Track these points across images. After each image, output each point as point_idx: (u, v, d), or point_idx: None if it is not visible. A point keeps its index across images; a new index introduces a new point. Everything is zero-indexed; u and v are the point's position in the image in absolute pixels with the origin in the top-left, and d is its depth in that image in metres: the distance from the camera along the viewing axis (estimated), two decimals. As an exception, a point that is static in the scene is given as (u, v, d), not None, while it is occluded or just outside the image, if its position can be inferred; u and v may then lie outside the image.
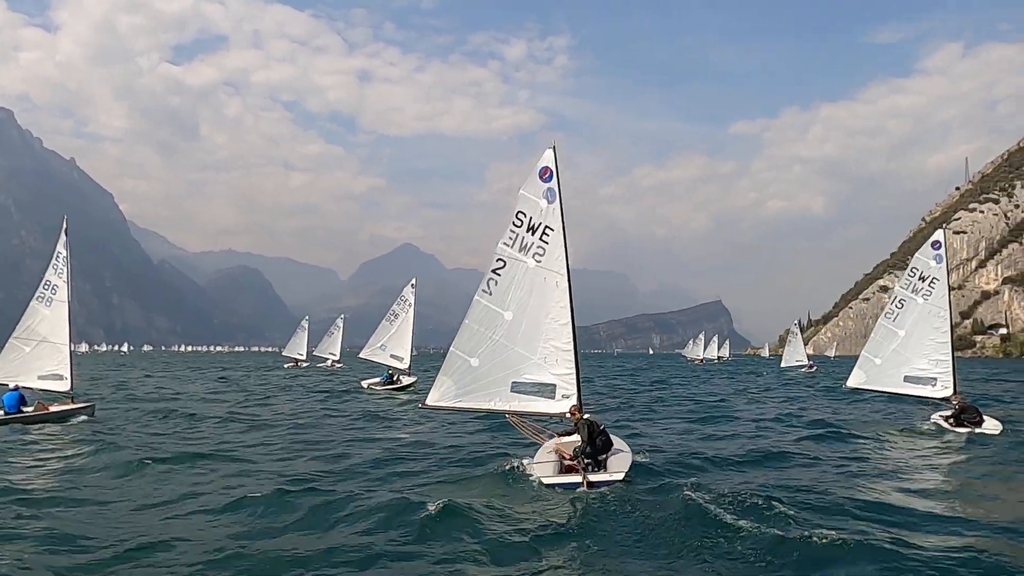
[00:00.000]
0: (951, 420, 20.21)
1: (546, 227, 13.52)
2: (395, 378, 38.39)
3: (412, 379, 38.69)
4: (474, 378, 13.57)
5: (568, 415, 12.82)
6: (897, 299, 23.02)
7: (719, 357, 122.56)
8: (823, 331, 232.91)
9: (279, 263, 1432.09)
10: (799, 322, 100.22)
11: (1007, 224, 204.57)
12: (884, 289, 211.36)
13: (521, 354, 13.52)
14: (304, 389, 38.77)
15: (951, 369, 21.84)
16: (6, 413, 20.24)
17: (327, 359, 70.67)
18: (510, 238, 13.57)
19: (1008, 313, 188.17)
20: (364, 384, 38.72)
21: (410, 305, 40.97)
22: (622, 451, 12.56)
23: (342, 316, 74.05)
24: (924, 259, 22.93)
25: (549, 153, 13.84)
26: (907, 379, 22.40)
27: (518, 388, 13.48)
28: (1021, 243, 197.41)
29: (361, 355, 41.43)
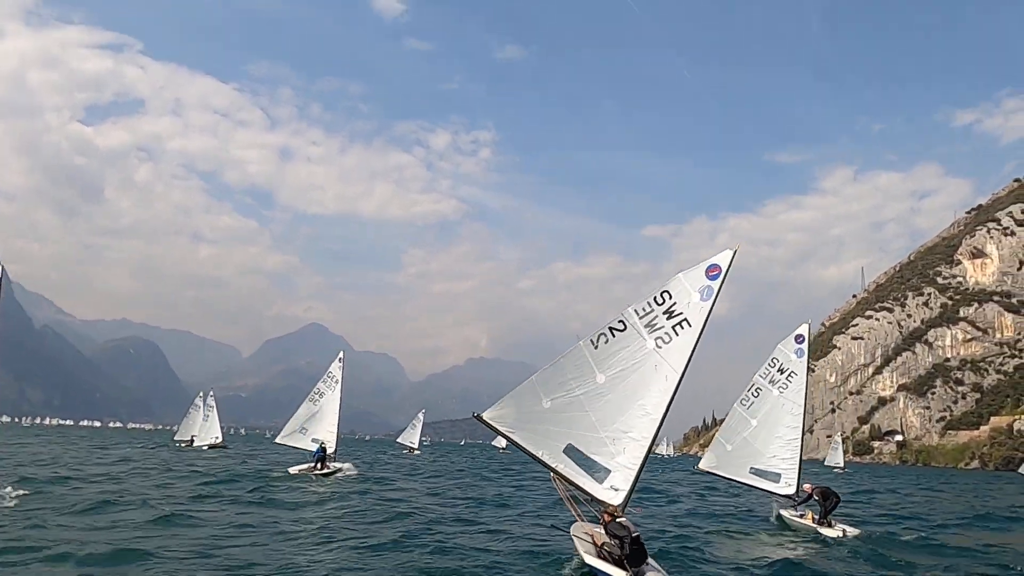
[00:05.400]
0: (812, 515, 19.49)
1: (685, 319, 12.82)
2: (328, 453, 33.81)
3: (345, 465, 34.46)
4: (537, 418, 12.90)
5: (602, 512, 11.77)
6: (754, 387, 22.47)
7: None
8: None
9: (177, 336, 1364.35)
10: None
11: (900, 333, 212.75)
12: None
13: (592, 423, 12.81)
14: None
15: (797, 467, 21.53)
16: None
17: (212, 442, 65.88)
18: (643, 309, 13.00)
19: (903, 420, 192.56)
20: (292, 471, 33.28)
21: (337, 382, 36.37)
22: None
23: (211, 393, 70.03)
24: (785, 351, 22.46)
25: (727, 254, 13.06)
26: (753, 471, 21.91)
27: (571, 453, 12.78)
28: (914, 352, 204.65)
29: (278, 440, 36.58)
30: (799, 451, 21.75)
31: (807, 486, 20.96)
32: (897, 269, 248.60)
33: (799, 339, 22.39)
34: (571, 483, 12.75)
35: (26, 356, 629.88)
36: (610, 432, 12.68)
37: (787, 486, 21.57)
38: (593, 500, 12.62)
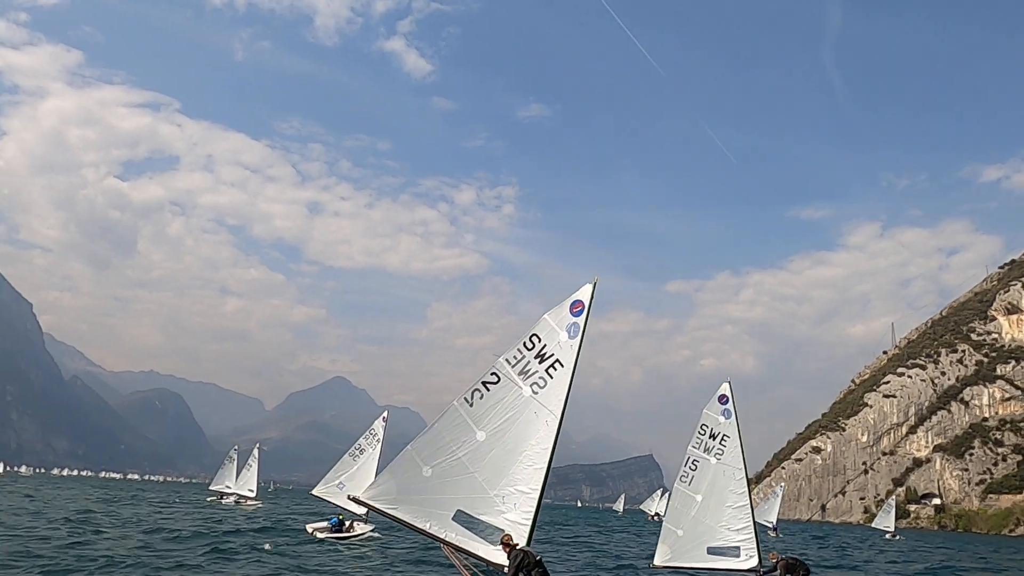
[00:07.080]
0: None
1: (557, 360, 12.65)
2: (346, 524, 32.18)
3: (367, 527, 32.51)
4: (420, 489, 12.47)
5: (500, 545, 11.74)
6: (690, 460, 21.32)
7: (655, 515, 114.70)
8: (755, 491, 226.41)
9: (203, 388, 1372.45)
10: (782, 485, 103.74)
11: (935, 391, 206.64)
12: (817, 450, 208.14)
13: (479, 483, 12.39)
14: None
15: (753, 535, 20.61)
16: None
17: (245, 495, 66.07)
18: (515, 358, 12.82)
19: (941, 482, 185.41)
20: (308, 528, 32.86)
21: (379, 440, 36.29)
22: None
23: (257, 446, 69.70)
24: (712, 415, 21.48)
25: (588, 288, 13.08)
26: (711, 551, 20.66)
27: (461, 519, 12.27)
28: (949, 411, 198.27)
29: (314, 492, 36.54)
30: (751, 518, 20.89)
31: (773, 556, 20.27)
32: (929, 325, 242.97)
33: (723, 399, 21.39)
34: (463, 551, 12.26)
35: (53, 406, 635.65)
36: (499, 490, 12.32)
37: (748, 559, 20.64)
38: (490, 565, 12.23)
